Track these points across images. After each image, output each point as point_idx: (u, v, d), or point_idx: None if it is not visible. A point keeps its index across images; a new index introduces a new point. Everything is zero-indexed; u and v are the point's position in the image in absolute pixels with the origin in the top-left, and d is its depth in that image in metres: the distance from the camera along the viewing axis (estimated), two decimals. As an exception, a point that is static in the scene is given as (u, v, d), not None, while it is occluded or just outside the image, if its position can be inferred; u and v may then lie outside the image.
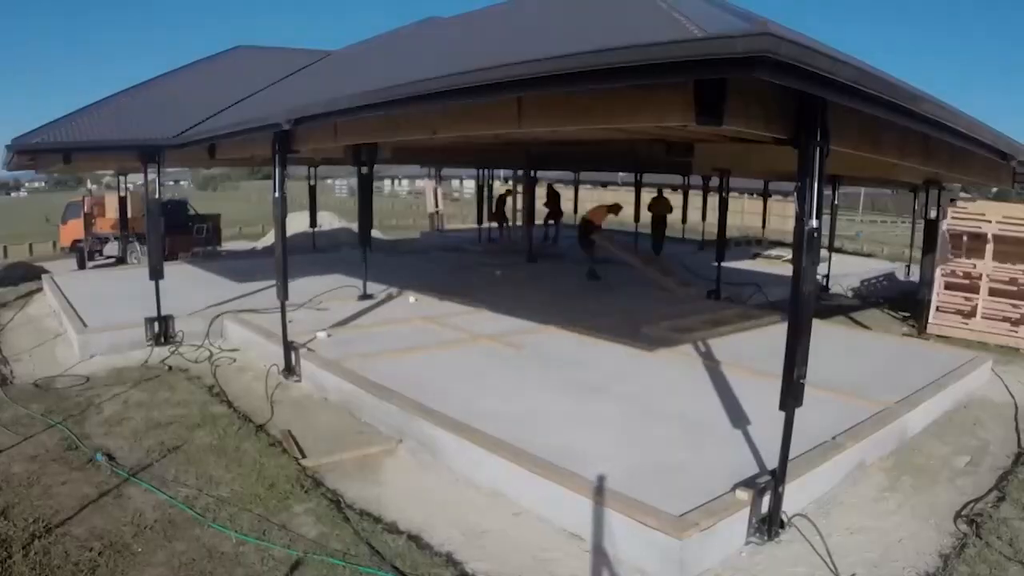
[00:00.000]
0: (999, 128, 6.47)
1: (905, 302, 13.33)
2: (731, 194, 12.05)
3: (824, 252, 12.91)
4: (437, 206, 25.29)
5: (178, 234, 18.10)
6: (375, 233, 17.38)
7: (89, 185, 16.64)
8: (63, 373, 8.05)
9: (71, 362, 8.57)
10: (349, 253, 15.19)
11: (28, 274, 16.07)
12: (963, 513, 5.06)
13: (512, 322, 9.62)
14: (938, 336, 10.50)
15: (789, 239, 4.30)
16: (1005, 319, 10.53)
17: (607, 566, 4.34)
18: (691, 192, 21.92)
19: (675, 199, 20.65)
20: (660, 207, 18.97)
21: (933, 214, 11.42)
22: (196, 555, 4.31)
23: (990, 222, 9.30)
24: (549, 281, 13.25)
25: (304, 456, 5.85)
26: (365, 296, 11.25)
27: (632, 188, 19.83)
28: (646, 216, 18.87)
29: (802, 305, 4.18)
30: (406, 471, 5.71)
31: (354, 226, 16.60)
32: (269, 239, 16.22)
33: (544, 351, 8.25)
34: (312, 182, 17.88)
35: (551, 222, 20.60)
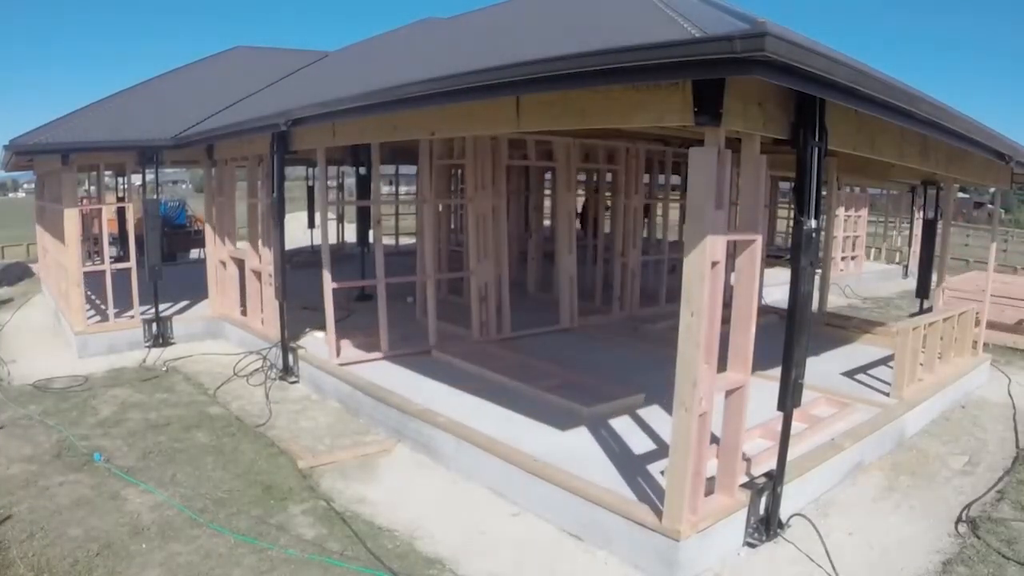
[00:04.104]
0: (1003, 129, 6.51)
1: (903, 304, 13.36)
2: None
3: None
4: None
5: (177, 235, 18.12)
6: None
7: (88, 186, 16.55)
8: (61, 374, 8.04)
9: (69, 362, 8.57)
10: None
11: (25, 274, 16.08)
12: (962, 514, 5.06)
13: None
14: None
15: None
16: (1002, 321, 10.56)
17: (605, 566, 4.33)
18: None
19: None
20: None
21: (931, 214, 11.45)
22: (194, 556, 4.31)
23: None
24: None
25: (301, 457, 5.84)
26: (363, 297, 11.23)
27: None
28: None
29: (800, 306, 4.18)
30: (404, 471, 5.71)
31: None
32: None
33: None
34: (311, 183, 17.84)
35: None
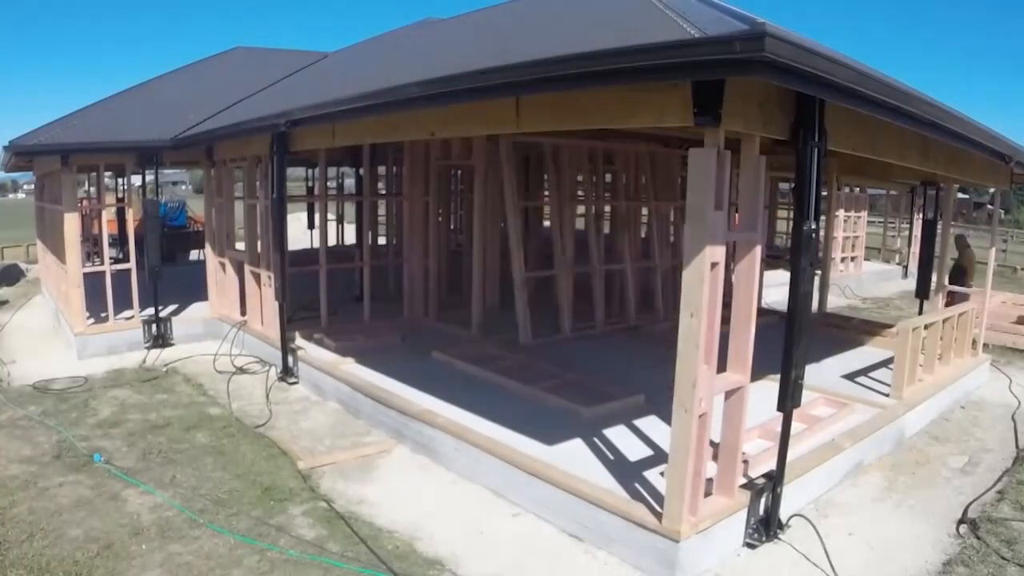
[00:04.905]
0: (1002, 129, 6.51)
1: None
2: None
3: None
4: None
5: (176, 236, 18.12)
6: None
7: (87, 187, 16.56)
8: (61, 375, 8.04)
9: (69, 363, 8.56)
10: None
11: (20, 276, 16.11)
12: (961, 514, 5.06)
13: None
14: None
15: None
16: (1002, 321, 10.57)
17: (606, 567, 4.33)
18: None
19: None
20: None
21: (931, 215, 11.43)
22: (194, 557, 4.30)
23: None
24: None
25: (301, 458, 5.84)
26: (360, 298, 11.22)
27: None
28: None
29: (800, 306, 4.18)
30: (404, 471, 5.71)
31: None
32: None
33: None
34: (310, 183, 17.82)
35: None
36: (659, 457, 5.15)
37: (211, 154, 9.74)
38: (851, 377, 7.54)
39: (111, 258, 10.15)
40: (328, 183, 18.86)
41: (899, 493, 5.43)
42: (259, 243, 8.89)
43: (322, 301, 9.22)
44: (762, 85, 3.63)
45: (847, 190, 16.97)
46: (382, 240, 14.83)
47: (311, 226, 17.80)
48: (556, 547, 4.54)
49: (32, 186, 26.37)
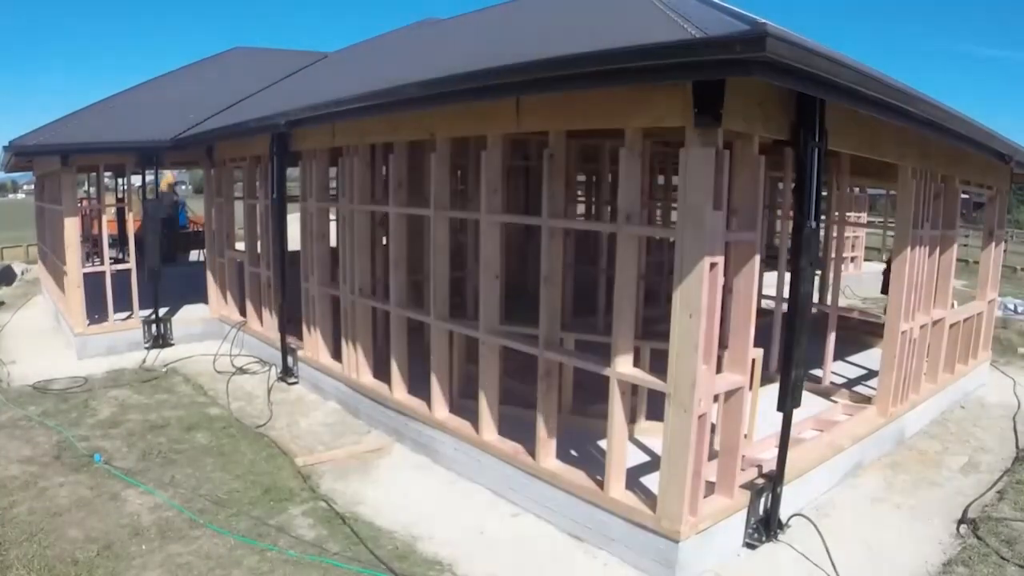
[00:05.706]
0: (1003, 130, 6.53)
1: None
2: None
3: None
4: None
5: (176, 236, 18.11)
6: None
7: (87, 187, 16.56)
8: (61, 375, 8.04)
9: (69, 364, 8.57)
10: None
11: (13, 278, 16.12)
12: (961, 514, 5.06)
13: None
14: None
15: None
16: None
17: (605, 567, 4.33)
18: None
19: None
20: None
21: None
22: (193, 557, 4.30)
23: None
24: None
25: (301, 458, 5.83)
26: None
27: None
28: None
29: (800, 306, 4.18)
30: (403, 471, 5.71)
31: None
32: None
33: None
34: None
35: None
36: (659, 458, 5.14)
37: (211, 154, 9.74)
38: (851, 377, 7.54)
39: (111, 258, 10.15)
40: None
41: (899, 493, 5.43)
42: (259, 243, 8.88)
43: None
44: (762, 85, 3.63)
45: (847, 190, 16.95)
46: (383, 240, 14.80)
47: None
48: (556, 547, 4.54)
49: (32, 186, 26.39)
